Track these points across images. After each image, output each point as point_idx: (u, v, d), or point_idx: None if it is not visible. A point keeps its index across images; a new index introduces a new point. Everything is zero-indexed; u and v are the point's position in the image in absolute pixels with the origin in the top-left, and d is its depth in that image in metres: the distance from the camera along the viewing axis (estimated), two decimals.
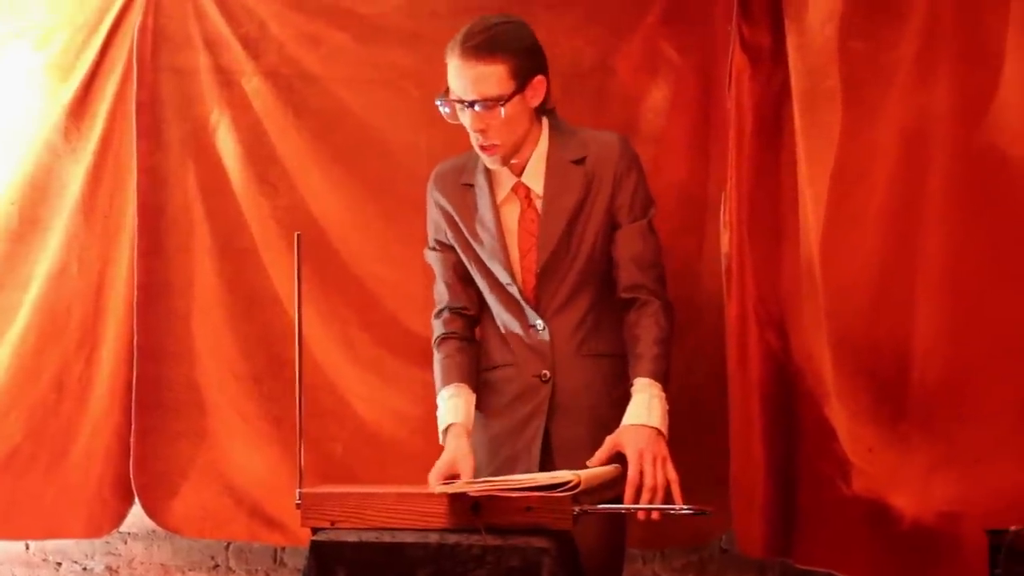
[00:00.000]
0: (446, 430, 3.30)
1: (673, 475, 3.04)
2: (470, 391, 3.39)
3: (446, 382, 3.39)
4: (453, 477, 3.10)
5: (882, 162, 3.32)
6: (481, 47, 3.18)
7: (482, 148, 3.29)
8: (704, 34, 3.92)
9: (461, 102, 3.23)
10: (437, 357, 3.46)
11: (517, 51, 3.22)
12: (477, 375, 3.44)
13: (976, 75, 3.16)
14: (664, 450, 3.08)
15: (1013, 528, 2.66)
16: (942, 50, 3.23)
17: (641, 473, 3.02)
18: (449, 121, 3.30)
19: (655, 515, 2.98)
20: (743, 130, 3.68)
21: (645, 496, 3.00)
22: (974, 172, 3.15)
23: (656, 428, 3.12)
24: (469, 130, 3.27)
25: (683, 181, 3.91)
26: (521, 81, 3.22)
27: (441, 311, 3.51)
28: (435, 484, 3.05)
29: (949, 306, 3.17)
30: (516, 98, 3.22)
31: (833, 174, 3.40)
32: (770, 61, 3.69)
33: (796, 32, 3.57)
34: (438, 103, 3.28)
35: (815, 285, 3.44)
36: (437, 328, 3.50)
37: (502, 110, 3.20)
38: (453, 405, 3.34)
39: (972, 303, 3.14)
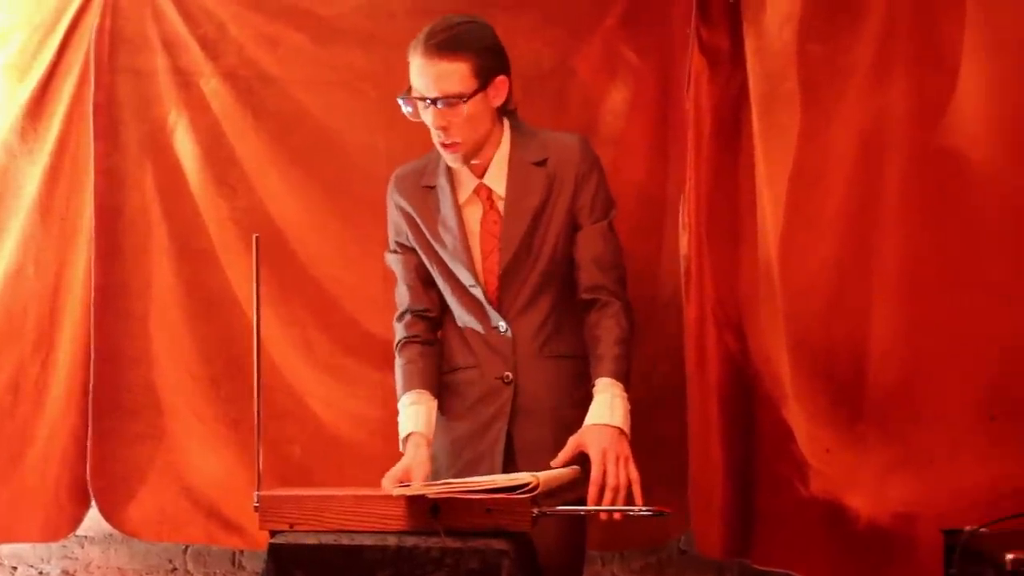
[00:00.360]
0: (406, 438, 3.30)
1: (635, 475, 3.05)
2: (431, 397, 3.38)
3: (407, 388, 3.38)
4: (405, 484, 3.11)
5: (840, 164, 3.34)
6: (444, 45, 3.19)
7: (443, 146, 3.29)
8: (663, 36, 3.92)
9: (423, 99, 3.23)
10: (399, 362, 3.45)
11: (480, 50, 3.23)
12: (439, 380, 3.44)
13: (932, 78, 3.18)
14: (627, 450, 3.10)
15: (968, 528, 2.68)
16: (899, 53, 3.26)
17: (604, 472, 3.03)
18: (411, 119, 3.30)
19: (616, 515, 2.99)
20: (702, 132, 3.69)
21: (608, 495, 3.01)
22: (931, 174, 3.17)
23: (619, 428, 3.13)
24: (431, 128, 3.27)
25: (642, 182, 3.92)
26: (483, 80, 3.23)
27: (403, 314, 3.50)
28: (388, 489, 3.05)
29: (906, 308, 3.20)
30: (478, 96, 3.23)
31: (791, 176, 3.42)
32: (728, 63, 3.71)
33: (754, 35, 3.58)
34: (400, 101, 3.28)
35: (773, 287, 3.46)
36: (399, 332, 3.49)
37: (464, 107, 3.20)
38: (414, 412, 3.33)
39: (928, 305, 3.17)
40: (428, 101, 3.22)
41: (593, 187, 3.37)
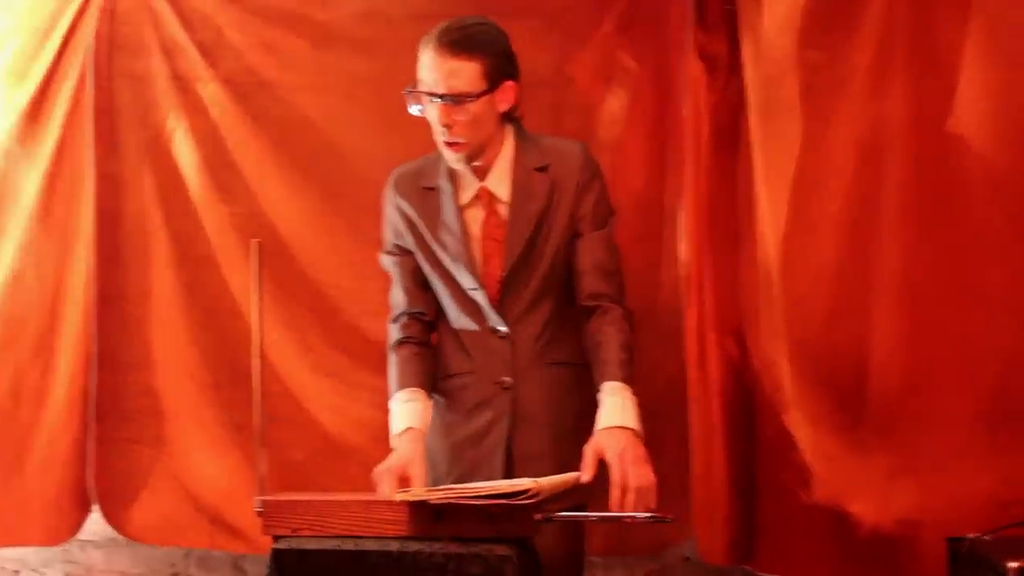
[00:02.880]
0: (402, 433, 3.27)
1: (651, 478, 3.02)
2: (426, 396, 3.36)
3: (402, 386, 3.35)
4: (404, 480, 3.09)
5: (840, 170, 3.36)
6: (457, 43, 3.19)
7: (446, 145, 3.28)
8: (660, 42, 3.92)
9: (430, 95, 3.23)
10: (393, 361, 3.42)
11: (492, 52, 3.24)
12: (433, 382, 3.42)
13: (932, 84, 3.20)
14: (643, 451, 3.06)
15: (971, 536, 2.69)
16: (897, 59, 3.27)
17: (626, 475, 2.99)
18: (414, 114, 3.29)
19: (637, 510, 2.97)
20: (700, 138, 3.69)
21: (631, 496, 2.97)
22: (931, 180, 3.19)
23: (632, 429, 3.10)
24: (434, 125, 3.26)
25: (641, 189, 3.92)
26: (492, 82, 3.23)
27: (398, 316, 3.47)
28: (385, 484, 3.05)
29: (907, 314, 3.21)
30: (485, 98, 3.23)
31: (792, 182, 3.43)
32: (726, 70, 3.71)
33: (752, 41, 3.59)
34: (405, 93, 3.27)
35: (773, 293, 3.46)
36: (394, 333, 3.46)
37: (470, 107, 3.20)
38: (410, 409, 3.31)
39: (928, 310, 3.18)
40: (435, 97, 3.22)
41: (594, 195, 3.36)
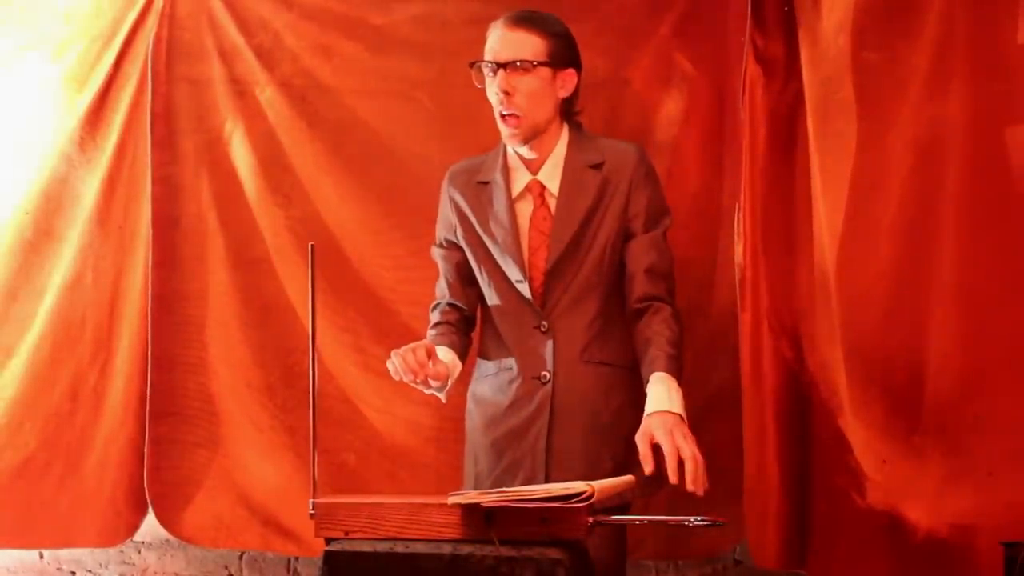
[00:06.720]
0: None
1: (700, 456, 3.02)
2: (455, 356, 3.42)
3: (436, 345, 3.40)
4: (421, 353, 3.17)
5: (897, 173, 3.32)
6: (525, 19, 3.31)
7: (503, 118, 3.34)
8: (717, 45, 3.91)
9: (493, 63, 3.30)
10: (428, 336, 3.49)
11: (557, 35, 3.34)
12: (464, 353, 3.48)
13: (989, 86, 3.16)
14: (689, 432, 3.07)
15: None
16: (956, 61, 3.23)
17: (679, 448, 3.00)
18: (476, 85, 3.37)
19: (697, 485, 2.98)
20: (757, 141, 3.67)
21: (689, 464, 2.99)
22: (988, 183, 3.15)
23: (679, 414, 3.12)
24: (494, 97, 3.33)
25: (697, 192, 3.90)
26: (555, 61, 3.32)
27: (438, 304, 3.56)
28: (396, 354, 3.17)
29: (963, 317, 3.17)
30: (546, 72, 3.32)
31: (849, 184, 3.40)
32: (784, 72, 3.69)
33: (809, 43, 3.57)
34: (471, 66, 3.36)
35: (829, 296, 3.44)
36: (433, 317, 3.55)
37: (531, 77, 3.29)
38: (442, 354, 3.35)
39: (986, 314, 3.14)
40: (497, 65, 3.29)
41: (647, 195, 3.38)
